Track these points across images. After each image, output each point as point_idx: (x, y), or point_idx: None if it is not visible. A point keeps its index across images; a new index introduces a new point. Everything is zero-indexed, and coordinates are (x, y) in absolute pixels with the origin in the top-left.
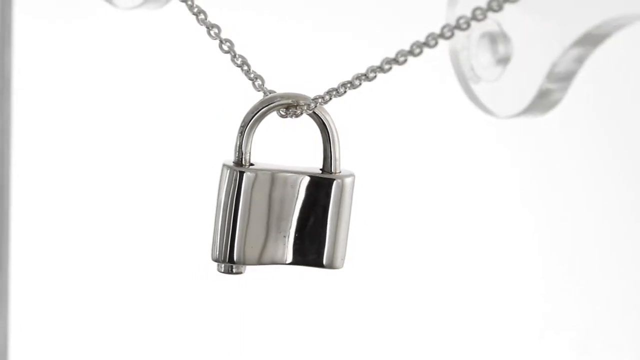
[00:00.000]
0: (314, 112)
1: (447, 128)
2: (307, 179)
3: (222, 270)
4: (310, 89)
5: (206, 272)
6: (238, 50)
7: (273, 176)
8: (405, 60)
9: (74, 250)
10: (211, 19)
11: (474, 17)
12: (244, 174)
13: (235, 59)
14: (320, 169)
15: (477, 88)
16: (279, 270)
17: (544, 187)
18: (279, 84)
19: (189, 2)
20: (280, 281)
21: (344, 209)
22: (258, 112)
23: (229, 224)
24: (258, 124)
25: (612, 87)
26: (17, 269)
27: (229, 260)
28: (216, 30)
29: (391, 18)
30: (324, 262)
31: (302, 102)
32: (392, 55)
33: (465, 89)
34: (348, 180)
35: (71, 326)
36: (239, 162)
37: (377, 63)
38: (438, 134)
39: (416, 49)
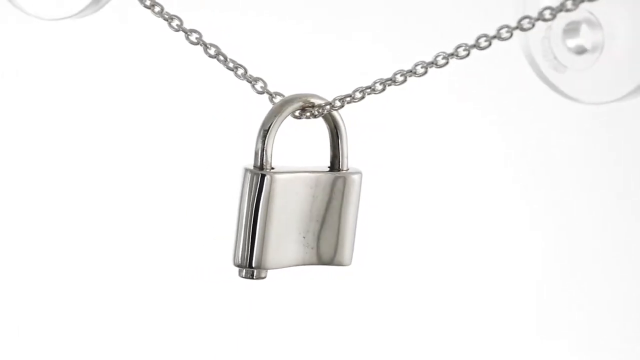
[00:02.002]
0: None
1: (451, 129)
2: (324, 178)
3: (245, 276)
4: (307, 89)
5: (209, 273)
6: (226, 52)
7: (295, 178)
8: (468, 54)
9: (85, 258)
10: (205, 20)
11: (564, 8)
12: (270, 178)
13: (226, 63)
14: (328, 167)
15: (561, 77)
16: (286, 270)
17: (546, 188)
18: (277, 86)
19: (157, 9)
20: (286, 280)
21: (355, 205)
22: (279, 114)
23: (254, 229)
24: (279, 126)
25: None
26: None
27: (254, 265)
28: (197, 35)
29: (392, 18)
30: (335, 259)
31: (322, 102)
32: (393, 54)
33: (542, 78)
34: (359, 177)
35: (88, 333)
36: (261, 166)
37: (428, 58)
38: (441, 134)
39: (484, 42)
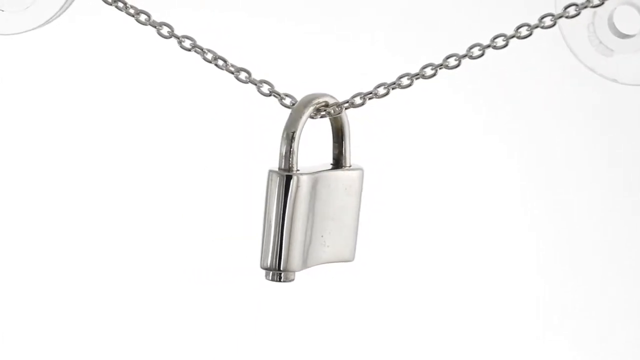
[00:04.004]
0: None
1: (451, 128)
2: (334, 176)
3: (272, 279)
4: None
5: (210, 275)
6: (220, 54)
7: (316, 177)
8: (506, 45)
9: (97, 261)
10: (203, 21)
11: None
12: (297, 179)
13: (227, 67)
14: (331, 164)
15: (607, 61)
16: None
17: (546, 187)
18: (280, 87)
19: (142, 17)
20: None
21: (359, 201)
22: (302, 115)
23: (282, 231)
24: (302, 127)
25: (611, 86)
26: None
27: (282, 268)
28: (190, 42)
29: (390, 19)
30: (343, 255)
31: (334, 101)
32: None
33: (586, 63)
34: (363, 173)
35: (100, 336)
36: (289, 168)
37: (461, 51)
38: (441, 134)
39: (525, 31)
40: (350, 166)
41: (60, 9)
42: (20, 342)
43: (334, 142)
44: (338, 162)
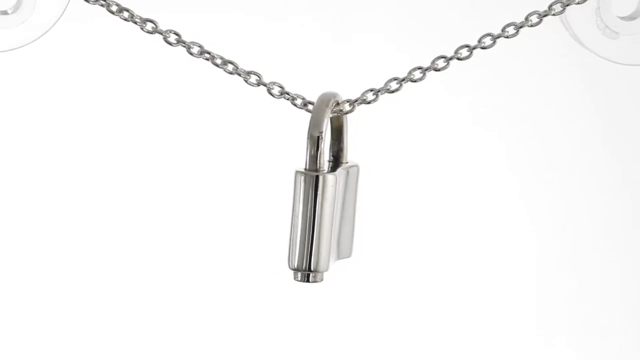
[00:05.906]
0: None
1: (450, 127)
2: (344, 172)
3: (301, 279)
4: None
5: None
6: (221, 55)
7: (337, 175)
8: (517, 34)
9: (116, 263)
10: (203, 22)
11: None
12: (324, 179)
13: (238, 72)
14: (329, 162)
15: (613, 44)
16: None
17: (546, 184)
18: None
19: (149, 26)
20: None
21: (356, 196)
22: (325, 115)
23: (313, 231)
24: (327, 127)
25: (610, 87)
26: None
27: (312, 269)
28: (198, 48)
29: (388, 20)
30: (346, 252)
31: (343, 100)
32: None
33: (592, 49)
34: (358, 168)
35: (117, 337)
36: (316, 169)
37: (472, 42)
38: (440, 133)
39: (535, 19)
40: (347, 163)
41: (56, 22)
42: (31, 342)
43: (333, 139)
44: (337, 159)
